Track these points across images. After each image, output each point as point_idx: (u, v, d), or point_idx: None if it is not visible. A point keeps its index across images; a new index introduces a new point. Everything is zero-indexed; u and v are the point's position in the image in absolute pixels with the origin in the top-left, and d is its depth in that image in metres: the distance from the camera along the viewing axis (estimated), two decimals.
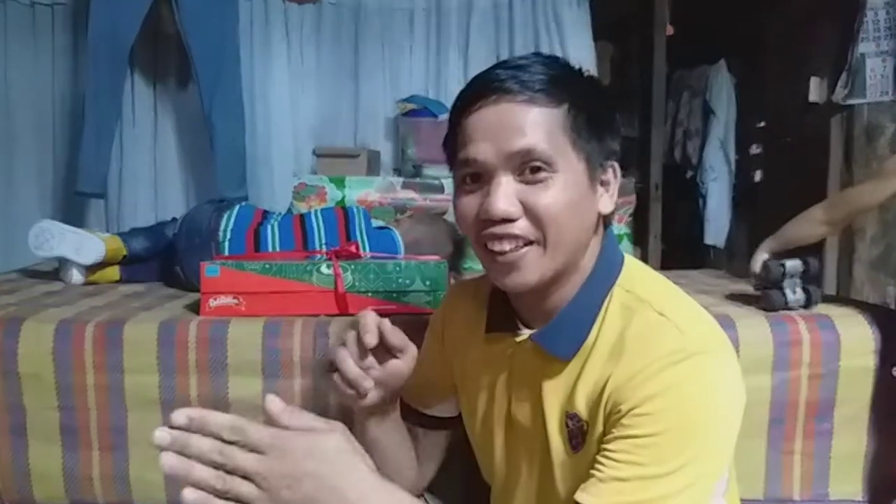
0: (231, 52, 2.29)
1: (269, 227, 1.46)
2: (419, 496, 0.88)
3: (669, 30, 2.61)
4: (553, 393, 0.69)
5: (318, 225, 1.48)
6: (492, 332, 0.76)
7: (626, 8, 2.79)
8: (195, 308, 1.20)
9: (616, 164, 0.71)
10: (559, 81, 0.66)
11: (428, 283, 1.19)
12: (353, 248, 1.32)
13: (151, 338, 1.11)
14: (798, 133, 2.58)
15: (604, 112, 0.69)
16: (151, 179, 2.46)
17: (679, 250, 3.03)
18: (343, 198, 2.06)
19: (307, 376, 1.12)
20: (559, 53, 2.49)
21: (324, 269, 1.18)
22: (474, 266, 1.88)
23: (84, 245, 1.45)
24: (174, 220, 1.59)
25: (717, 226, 3.09)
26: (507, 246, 0.65)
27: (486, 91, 0.65)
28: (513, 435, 0.75)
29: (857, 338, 1.16)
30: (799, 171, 2.55)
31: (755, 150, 3.02)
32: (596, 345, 0.66)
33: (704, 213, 3.10)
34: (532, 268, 0.66)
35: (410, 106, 2.41)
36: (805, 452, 1.18)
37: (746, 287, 1.52)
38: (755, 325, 1.16)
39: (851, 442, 1.18)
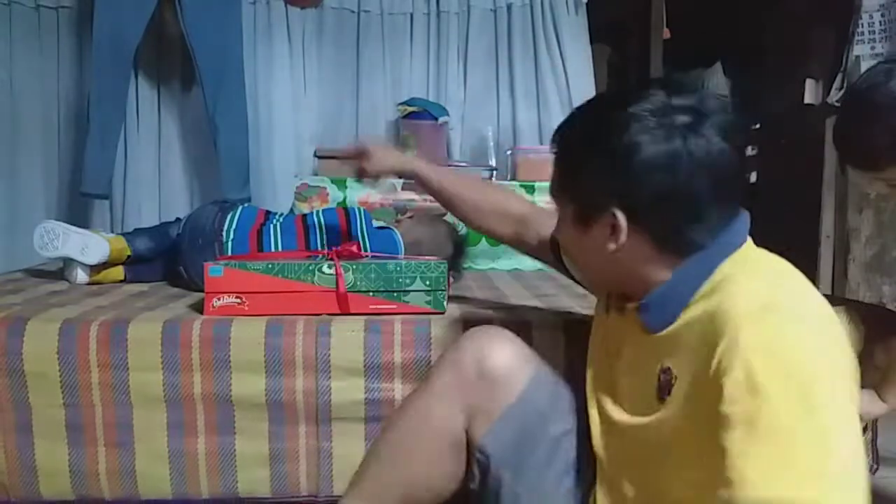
0: (234, 56, 2.30)
1: (271, 228, 1.47)
2: None
3: (666, 33, 2.63)
4: (647, 355, 0.76)
5: (319, 225, 1.50)
6: (609, 311, 0.86)
7: (623, 11, 2.80)
8: (199, 308, 1.22)
9: (617, 213, 0.73)
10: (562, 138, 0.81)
11: (428, 283, 1.21)
12: (354, 248, 1.34)
13: (155, 337, 1.13)
14: (793, 135, 2.60)
15: (578, 167, 0.77)
16: (155, 181, 2.47)
17: None
18: (344, 198, 2.08)
19: (309, 375, 1.14)
20: (557, 57, 2.51)
21: (325, 268, 1.20)
22: (474, 266, 1.90)
23: (89, 245, 1.47)
24: (178, 220, 1.60)
25: None
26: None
27: None
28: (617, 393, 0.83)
29: (851, 338, 1.16)
30: (794, 173, 2.57)
31: (750, 151, 3.03)
32: (688, 317, 0.71)
33: None
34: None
35: (411, 109, 2.42)
36: None
37: None
38: None
39: None
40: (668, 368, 0.72)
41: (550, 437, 0.87)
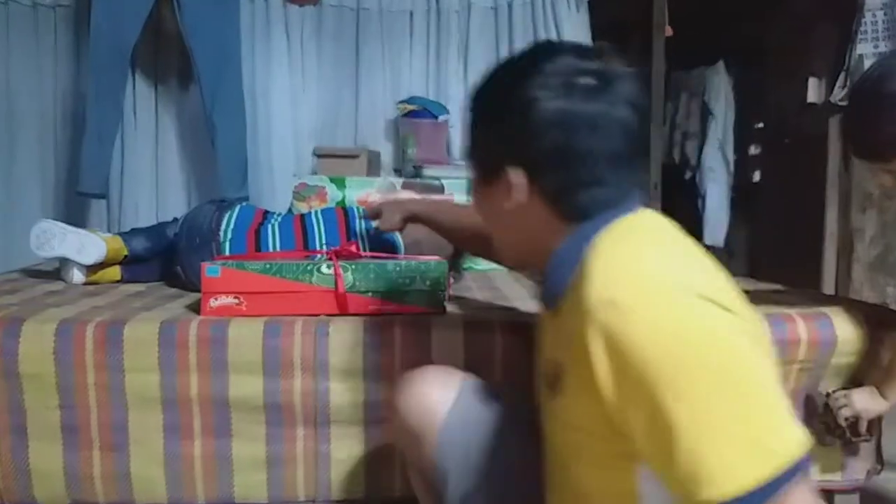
0: (232, 53, 2.29)
1: (269, 228, 1.46)
2: None
3: (668, 31, 2.62)
4: (550, 343, 0.76)
5: (318, 225, 1.49)
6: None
7: (625, 9, 2.79)
8: (196, 308, 1.21)
9: (517, 172, 0.71)
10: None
11: (428, 283, 1.20)
12: (353, 248, 1.32)
13: (152, 338, 1.11)
14: (796, 133, 2.59)
15: (479, 124, 0.77)
16: (153, 180, 2.46)
17: None
18: (343, 198, 2.07)
19: (308, 376, 1.12)
20: None
21: (324, 268, 1.18)
22: (474, 266, 1.89)
23: (85, 245, 1.45)
24: (175, 220, 1.59)
25: (715, 226, 3.10)
26: None
27: None
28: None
29: (854, 338, 1.16)
30: (797, 172, 2.56)
31: (753, 150, 3.03)
32: (573, 290, 0.68)
33: (703, 214, 3.11)
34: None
35: (410, 107, 2.41)
36: None
37: (744, 286, 1.53)
38: None
39: None
40: (556, 359, 0.71)
41: (493, 443, 0.85)
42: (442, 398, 0.86)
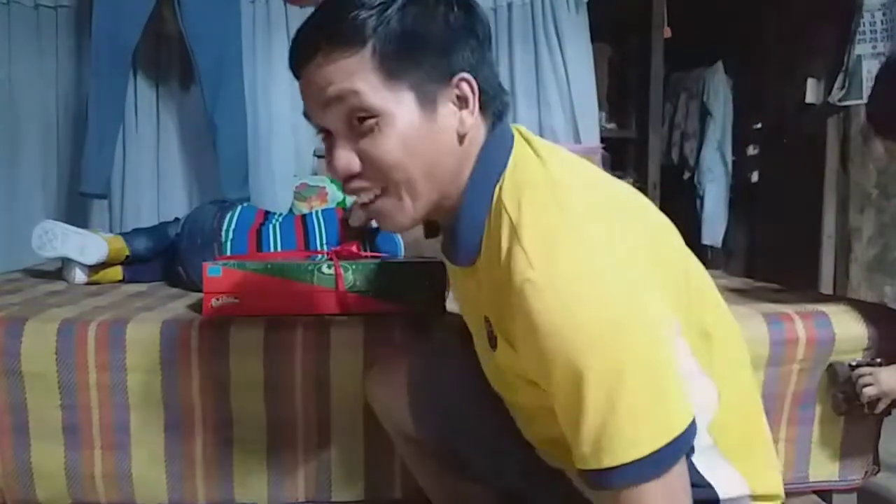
0: (233, 54, 2.30)
1: (270, 228, 1.47)
2: None
3: (667, 32, 2.62)
4: (475, 299, 0.73)
5: (319, 225, 1.49)
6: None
7: (624, 10, 2.80)
8: (197, 308, 1.21)
9: (468, 76, 0.65)
10: (355, 24, 0.62)
11: (428, 283, 1.20)
12: (353, 248, 1.33)
13: (154, 337, 1.12)
14: (795, 134, 2.59)
15: (422, 32, 0.64)
16: (154, 180, 2.47)
17: None
18: (344, 198, 2.07)
19: (308, 376, 1.13)
20: (557, 56, 2.51)
21: (325, 268, 1.19)
22: None
23: (87, 245, 1.46)
24: (177, 220, 1.60)
25: (714, 226, 3.10)
26: (364, 198, 0.67)
27: (293, 60, 0.66)
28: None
29: (852, 336, 1.17)
30: (795, 172, 2.57)
31: (752, 150, 3.03)
32: (486, 248, 0.67)
33: (702, 214, 3.11)
34: (396, 214, 0.67)
35: None
36: (788, 439, 1.20)
37: (743, 286, 1.53)
38: (752, 325, 1.16)
39: (831, 425, 1.20)
40: (486, 317, 0.69)
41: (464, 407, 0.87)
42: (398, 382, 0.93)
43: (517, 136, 0.71)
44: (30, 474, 1.13)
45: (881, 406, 1.11)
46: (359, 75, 0.63)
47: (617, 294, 0.58)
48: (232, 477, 1.15)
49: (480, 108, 0.67)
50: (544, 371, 0.59)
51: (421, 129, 0.64)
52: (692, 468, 0.65)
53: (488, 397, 0.81)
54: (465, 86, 0.66)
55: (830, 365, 1.17)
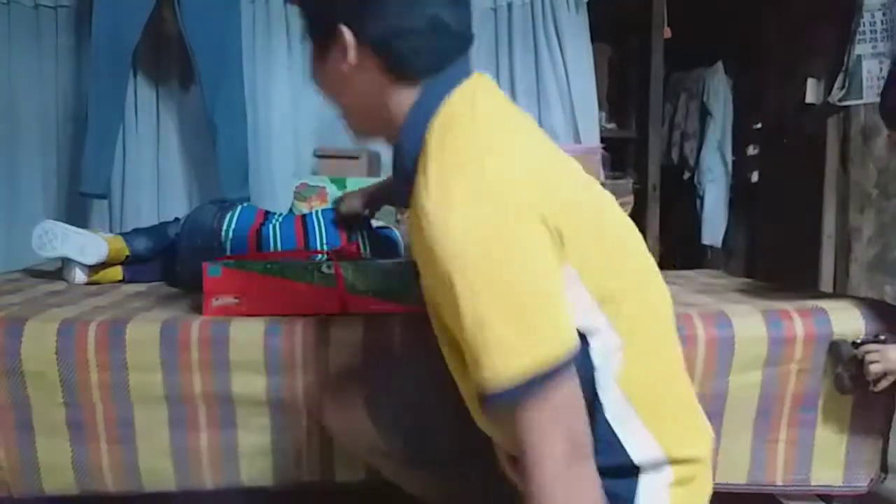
0: (233, 54, 2.30)
1: (270, 228, 1.47)
2: None
3: (667, 32, 2.62)
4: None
5: (319, 225, 1.49)
6: None
7: (624, 10, 2.80)
8: (198, 308, 1.21)
9: (341, 26, 0.72)
10: None
11: None
12: (353, 249, 1.33)
13: (154, 337, 1.12)
14: (795, 134, 2.59)
15: None
16: (154, 180, 2.47)
17: (677, 250, 3.04)
18: None
19: (309, 374, 1.13)
20: (557, 56, 2.51)
21: (325, 268, 1.19)
22: None
23: (87, 245, 1.46)
24: (177, 220, 1.60)
25: (714, 226, 3.10)
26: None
27: None
28: None
29: (851, 332, 1.17)
30: (795, 172, 2.57)
31: (752, 151, 3.03)
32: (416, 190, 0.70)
33: (702, 214, 3.11)
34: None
35: None
36: (789, 440, 1.20)
37: (743, 286, 1.53)
38: (751, 323, 1.17)
39: (835, 430, 1.20)
40: (415, 262, 0.73)
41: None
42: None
43: (471, 80, 0.76)
44: (36, 468, 1.14)
45: (884, 384, 1.10)
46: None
47: (492, 218, 0.62)
48: (238, 462, 1.17)
49: (379, 59, 0.72)
50: (438, 291, 0.64)
51: (321, 73, 0.78)
52: (608, 430, 0.70)
53: (451, 398, 0.84)
54: (345, 36, 0.72)
55: (834, 342, 1.16)
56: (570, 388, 0.63)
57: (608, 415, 0.71)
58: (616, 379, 0.70)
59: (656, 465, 0.73)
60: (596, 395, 0.70)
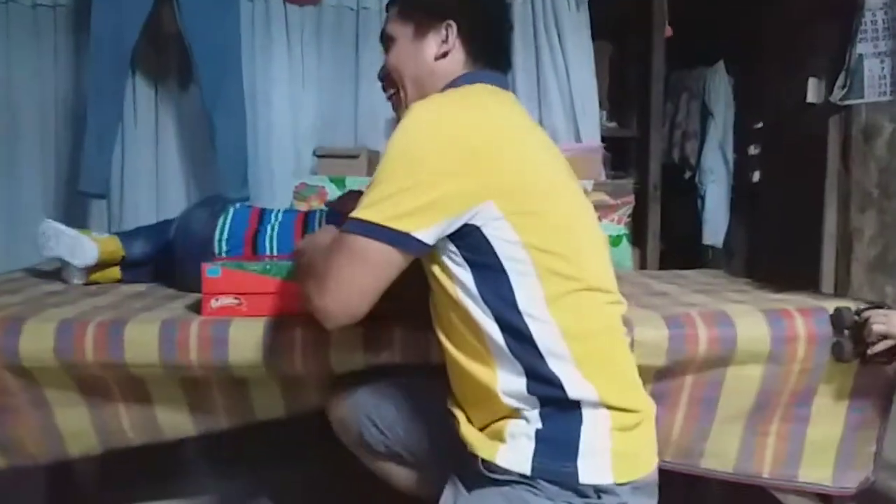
0: (232, 54, 2.30)
1: (266, 237, 1.43)
2: None
3: (668, 31, 2.62)
4: None
5: (319, 225, 1.48)
6: None
7: (625, 8, 2.79)
8: (197, 308, 1.21)
9: (452, 22, 0.97)
10: None
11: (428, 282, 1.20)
12: None
13: (152, 338, 1.11)
14: (796, 133, 2.59)
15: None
16: (153, 179, 2.46)
17: (678, 250, 3.04)
18: None
19: (309, 374, 1.13)
20: (558, 54, 2.50)
21: None
22: None
23: (76, 248, 1.45)
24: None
25: (715, 226, 3.10)
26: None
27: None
28: None
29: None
30: (797, 172, 2.56)
31: (753, 150, 3.02)
32: None
33: (703, 214, 3.11)
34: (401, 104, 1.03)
35: None
36: (780, 435, 1.20)
37: (744, 286, 1.53)
38: (753, 323, 1.16)
39: (827, 429, 1.20)
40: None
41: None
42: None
43: (482, 84, 0.93)
44: (59, 436, 1.17)
45: (880, 347, 1.11)
46: (391, 18, 1.07)
47: (424, 133, 0.82)
48: (252, 405, 1.21)
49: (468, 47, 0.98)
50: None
51: (408, 50, 1.02)
52: (543, 366, 0.80)
53: (445, 399, 0.94)
54: (445, 30, 0.97)
55: (837, 309, 1.17)
56: (381, 255, 0.80)
57: (541, 346, 0.79)
58: (548, 311, 0.80)
59: (594, 405, 0.79)
60: (525, 322, 0.80)
